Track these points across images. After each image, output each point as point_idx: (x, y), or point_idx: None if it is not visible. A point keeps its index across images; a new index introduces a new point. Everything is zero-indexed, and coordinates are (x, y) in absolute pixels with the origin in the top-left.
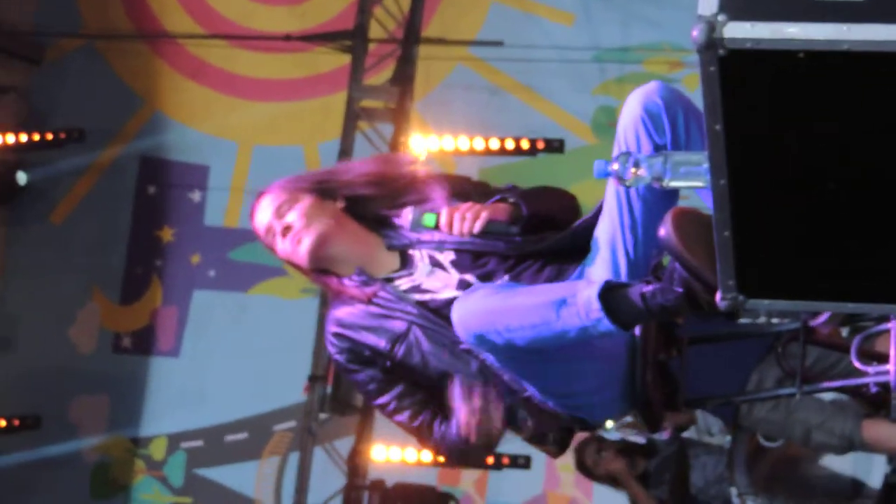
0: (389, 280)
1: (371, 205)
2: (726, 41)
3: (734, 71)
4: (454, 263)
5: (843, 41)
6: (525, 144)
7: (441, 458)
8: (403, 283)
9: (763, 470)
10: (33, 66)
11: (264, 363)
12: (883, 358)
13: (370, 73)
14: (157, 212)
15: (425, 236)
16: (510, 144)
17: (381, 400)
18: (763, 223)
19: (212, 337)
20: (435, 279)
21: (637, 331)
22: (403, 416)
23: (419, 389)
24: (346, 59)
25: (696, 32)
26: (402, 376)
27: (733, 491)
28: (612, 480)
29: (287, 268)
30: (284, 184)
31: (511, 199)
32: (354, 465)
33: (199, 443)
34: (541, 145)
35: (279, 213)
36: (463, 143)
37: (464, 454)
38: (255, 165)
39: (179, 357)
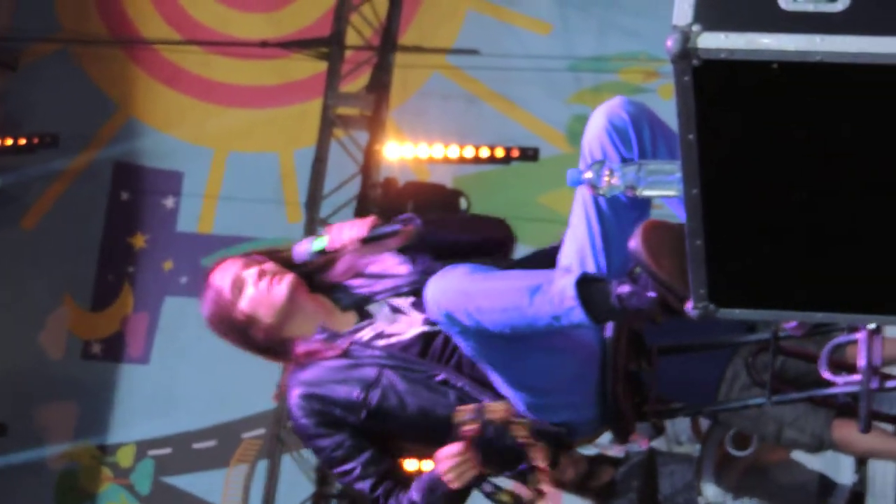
0: (352, 333)
1: (319, 274)
2: (700, 51)
3: (708, 81)
4: (415, 305)
5: (816, 52)
6: (500, 153)
7: None
8: (366, 334)
9: (732, 478)
10: (8, 71)
11: (234, 371)
12: (852, 368)
13: (346, 80)
14: (130, 218)
15: (377, 286)
16: (485, 153)
17: (346, 467)
18: (735, 233)
19: (182, 344)
20: (398, 324)
21: (608, 334)
22: (366, 485)
23: (385, 458)
24: (322, 67)
25: (671, 42)
26: (372, 439)
27: (701, 500)
28: (578, 488)
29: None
30: (239, 256)
31: (416, 222)
32: (323, 474)
33: (166, 450)
34: (515, 154)
35: (248, 266)
36: (438, 151)
37: None
38: (230, 172)
39: (149, 364)
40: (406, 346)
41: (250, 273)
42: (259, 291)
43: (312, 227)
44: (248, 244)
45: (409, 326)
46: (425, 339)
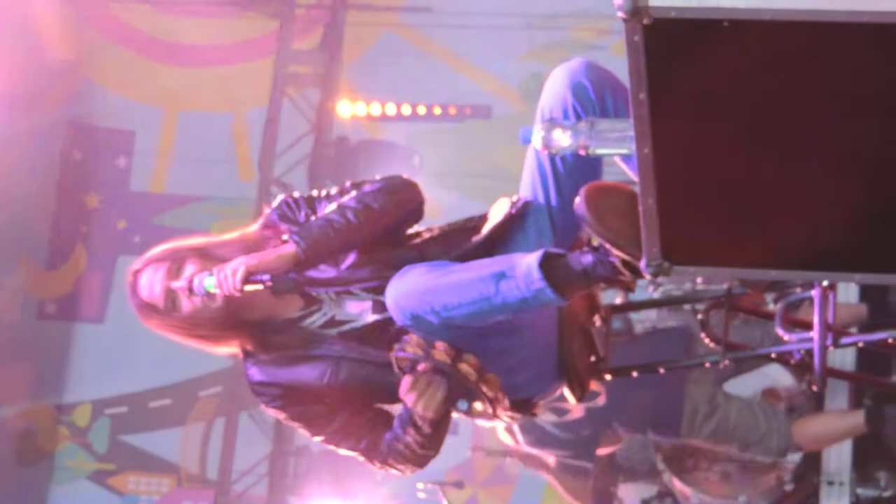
0: (300, 319)
1: None
2: (651, 9)
3: (659, 39)
4: (361, 288)
5: (767, 10)
6: (452, 111)
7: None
8: (317, 320)
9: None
10: None
11: None
12: (806, 325)
13: (298, 39)
14: (83, 177)
15: (316, 275)
16: (438, 111)
17: (327, 430)
18: (687, 190)
19: None
20: (349, 308)
21: None
22: (350, 443)
23: (361, 412)
24: (274, 25)
25: (621, 0)
26: (344, 400)
27: (659, 457)
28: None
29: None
30: (159, 255)
31: (295, 240)
32: (281, 431)
33: (123, 409)
34: (468, 111)
35: (172, 275)
36: (390, 109)
37: (415, 457)
38: (182, 131)
39: (104, 323)
40: (362, 335)
41: (185, 284)
42: (194, 306)
43: (266, 185)
44: (201, 203)
45: (362, 311)
46: (381, 326)
